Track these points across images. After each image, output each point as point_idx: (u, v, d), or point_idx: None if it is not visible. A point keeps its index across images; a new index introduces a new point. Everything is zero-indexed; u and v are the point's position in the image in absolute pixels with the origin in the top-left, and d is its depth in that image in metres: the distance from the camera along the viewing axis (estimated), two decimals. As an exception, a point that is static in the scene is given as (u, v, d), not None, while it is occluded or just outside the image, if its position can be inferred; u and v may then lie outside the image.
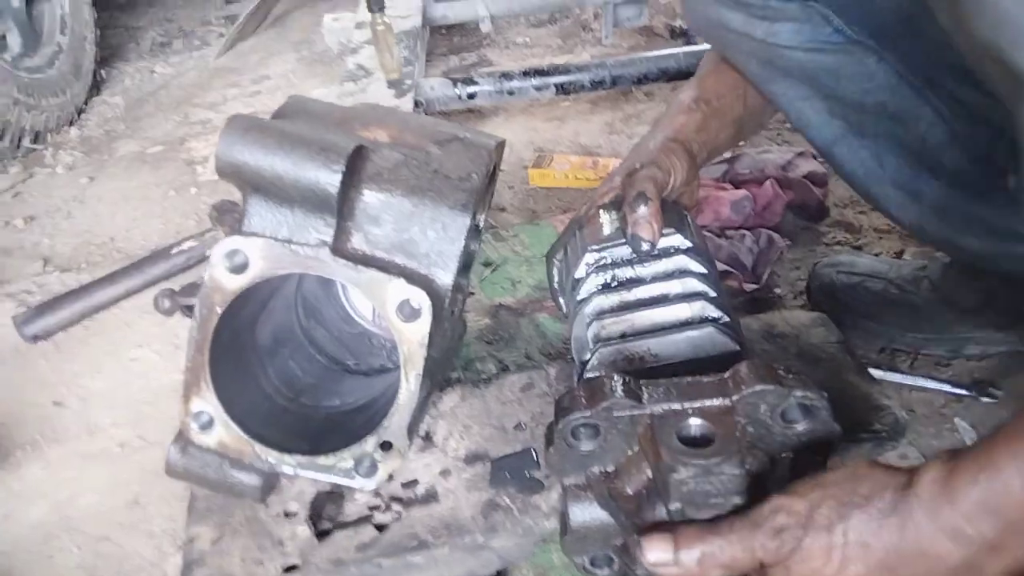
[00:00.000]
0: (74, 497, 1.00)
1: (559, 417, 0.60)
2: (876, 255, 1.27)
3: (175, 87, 2.60)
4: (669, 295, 0.75)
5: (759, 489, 0.57)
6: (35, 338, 1.29)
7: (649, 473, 0.60)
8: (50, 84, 2.39)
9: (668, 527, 0.55)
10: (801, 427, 0.59)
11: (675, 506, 0.55)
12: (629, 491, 0.61)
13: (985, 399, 0.97)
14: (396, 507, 0.79)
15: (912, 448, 0.89)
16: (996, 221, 0.82)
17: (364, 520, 0.78)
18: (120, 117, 2.52)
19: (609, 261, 0.78)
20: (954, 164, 0.82)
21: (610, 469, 0.62)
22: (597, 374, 0.68)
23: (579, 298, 0.78)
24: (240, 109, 2.41)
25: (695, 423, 0.58)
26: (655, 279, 0.76)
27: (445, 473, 0.82)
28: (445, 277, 0.73)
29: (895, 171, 0.86)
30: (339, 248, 0.71)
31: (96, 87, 2.61)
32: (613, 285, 0.77)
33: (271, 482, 0.79)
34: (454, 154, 0.74)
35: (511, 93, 1.75)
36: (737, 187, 1.35)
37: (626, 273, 0.77)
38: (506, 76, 1.75)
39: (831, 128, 0.87)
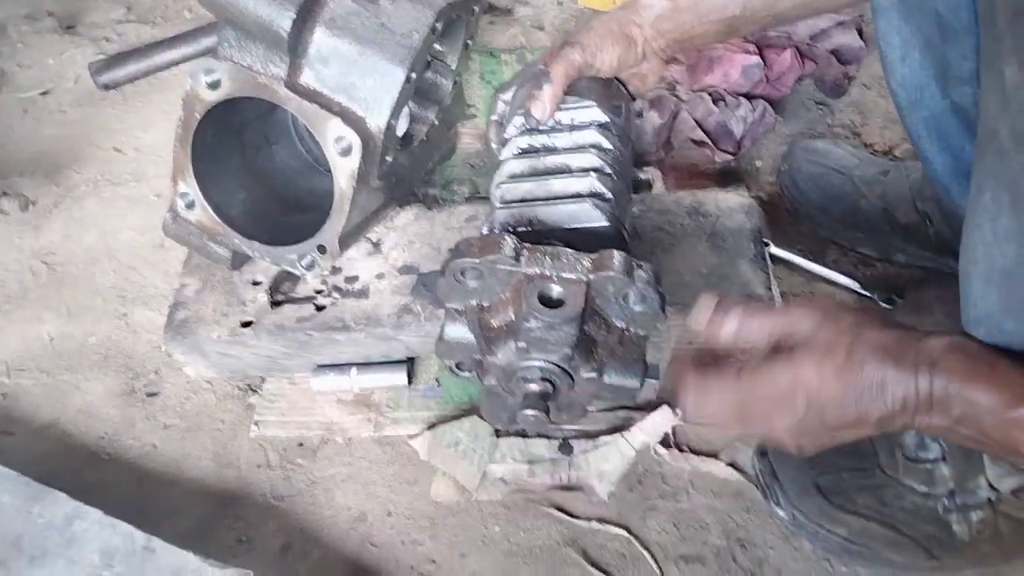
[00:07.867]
0: (117, 231, 1.24)
1: (453, 257, 0.74)
2: (868, 146, 1.28)
3: None
4: (571, 167, 0.85)
5: (591, 344, 0.72)
6: (106, 87, 1.49)
7: (511, 315, 0.75)
8: None
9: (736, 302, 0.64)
10: (637, 308, 0.72)
11: (521, 344, 0.71)
12: (493, 324, 0.76)
13: (884, 304, 1.04)
14: (335, 295, 0.99)
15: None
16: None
17: (308, 300, 0.98)
18: None
19: (532, 127, 0.88)
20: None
21: (485, 304, 0.77)
22: (495, 230, 0.82)
23: (500, 158, 0.89)
24: None
25: (555, 288, 0.72)
26: (565, 150, 0.86)
27: (380, 276, 1.00)
28: (378, 121, 0.85)
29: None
30: (292, 82, 0.83)
31: None
32: (529, 151, 0.87)
33: (242, 257, 0.99)
34: (403, 10, 0.82)
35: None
36: (761, 50, 1.34)
37: (542, 141, 0.87)
38: None
39: None
